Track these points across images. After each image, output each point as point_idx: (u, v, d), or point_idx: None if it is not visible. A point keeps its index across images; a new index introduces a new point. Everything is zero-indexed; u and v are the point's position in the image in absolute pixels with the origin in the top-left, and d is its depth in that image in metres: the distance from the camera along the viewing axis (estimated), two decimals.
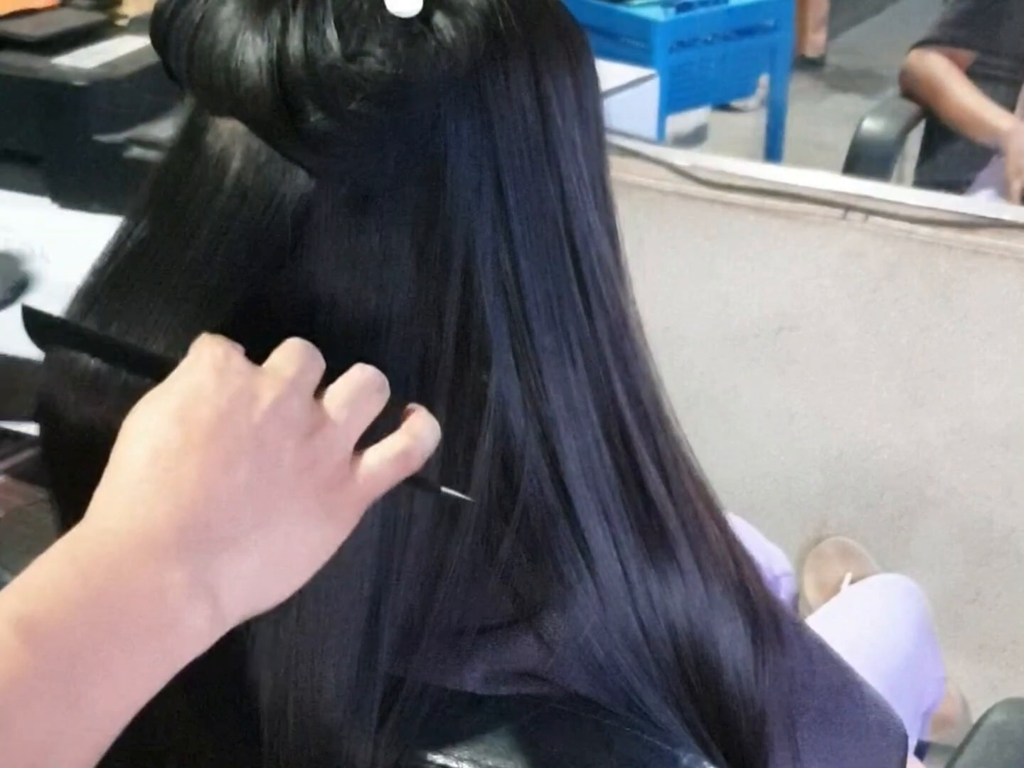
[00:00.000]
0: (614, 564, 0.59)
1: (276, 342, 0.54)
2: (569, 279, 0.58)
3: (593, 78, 0.61)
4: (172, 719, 0.59)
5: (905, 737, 0.81)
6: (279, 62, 0.53)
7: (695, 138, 3.38)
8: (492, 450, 0.57)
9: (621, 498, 0.60)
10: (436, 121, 0.54)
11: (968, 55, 2.28)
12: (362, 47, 0.53)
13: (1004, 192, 2.13)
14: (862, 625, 1.22)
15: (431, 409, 0.55)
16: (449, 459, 0.57)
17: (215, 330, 0.55)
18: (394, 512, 0.56)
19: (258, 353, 0.54)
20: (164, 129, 1.54)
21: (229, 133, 0.56)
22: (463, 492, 0.57)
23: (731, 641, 0.63)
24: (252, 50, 0.54)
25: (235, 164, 0.55)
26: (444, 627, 0.58)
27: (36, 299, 1.52)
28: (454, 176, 0.55)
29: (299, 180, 0.54)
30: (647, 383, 0.63)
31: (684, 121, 3.39)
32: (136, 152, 1.53)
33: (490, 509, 0.58)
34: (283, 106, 0.53)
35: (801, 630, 0.72)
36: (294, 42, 0.53)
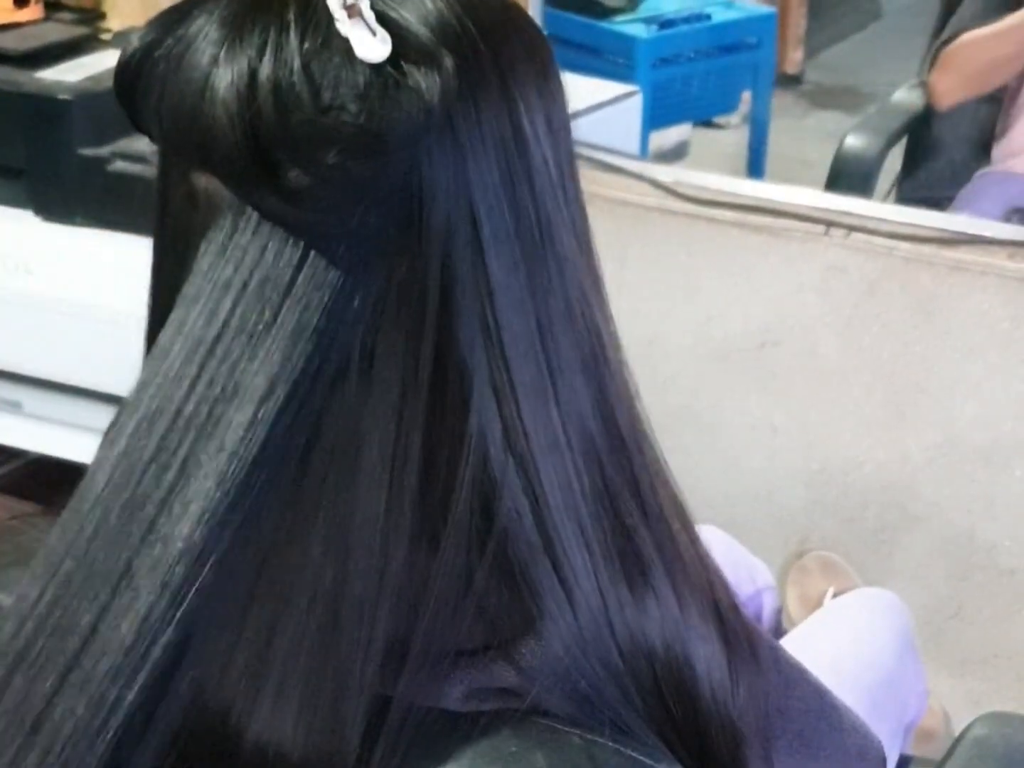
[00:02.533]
0: (594, 594, 0.59)
1: None
2: (548, 307, 0.58)
3: (560, 90, 0.60)
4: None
5: (883, 760, 0.81)
6: (251, 119, 0.51)
7: (675, 154, 3.39)
8: (472, 484, 0.57)
9: (601, 529, 0.60)
10: (411, 165, 0.53)
11: None
12: (335, 98, 0.52)
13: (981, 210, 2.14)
14: (844, 639, 1.22)
15: (409, 436, 0.56)
16: (428, 493, 0.57)
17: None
18: (372, 545, 0.56)
19: None
20: (148, 143, 1.54)
21: (204, 187, 0.55)
22: (443, 526, 0.57)
23: (708, 663, 0.63)
24: (222, 107, 0.52)
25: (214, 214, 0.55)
26: (426, 653, 0.58)
27: (19, 313, 1.52)
28: (430, 216, 0.54)
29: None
30: (623, 406, 0.62)
31: (665, 137, 3.40)
32: (120, 166, 1.53)
33: (469, 543, 0.58)
34: (258, 163, 0.52)
35: (778, 654, 0.72)
36: (264, 95, 0.51)
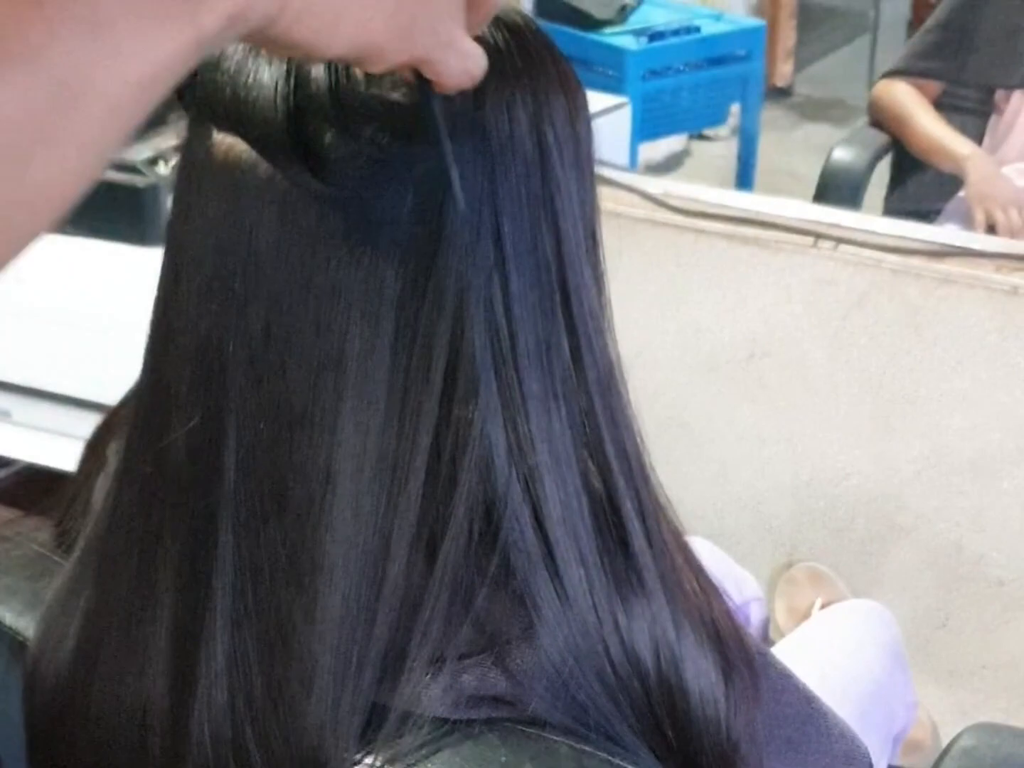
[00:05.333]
0: (589, 611, 0.59)
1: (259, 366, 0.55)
2: (560, 328, 0.59)
3: (588, 131, 0.61)
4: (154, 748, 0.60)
5: (870, 766, 0.81)
6: (296, 84, 0.53)
7: (667, 166, 3.40)
8: (474, 490, 0.57)
9: (599, 547, 0.60)
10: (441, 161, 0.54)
11: (936, 86, 2.31)
12: (383, 77, 0.53)
13: (969, 222, 2.15)
14: (833, 650, 1.22)
15: (414, 441, 0.56)
16: (431, 496, 0.57)
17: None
18: (372, 555, 0.57)
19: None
20: (139, 152, 1.54)
21: (228, 148, 0.56)
22: (442, 532, 0.57)
23: (704, 686, 0.63)
24: (267, 70, 0.54)
25: (235, 179, 0.55)
26: (421, 660, 0.58)
27: (8, 321, 1.51)
28: (454, 218, 0.55)
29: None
30: (631, 436, 0.63)
31: (656, 149, 3.41)
32: (109, 175, 1.52)
33: (469, 550, 0.58)
34: (294, 128, 0.53)
35: (768, 661, 0.72)
36: (315, 64, 0.53)
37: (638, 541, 0.61)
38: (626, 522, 0.61)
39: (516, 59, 0.56)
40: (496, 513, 0.58)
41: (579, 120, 0.60)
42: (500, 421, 0.57)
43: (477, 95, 0.54)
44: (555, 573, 0.58)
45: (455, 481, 0.57)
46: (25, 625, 0.66)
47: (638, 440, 0.64)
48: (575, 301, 0.59)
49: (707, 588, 0.67)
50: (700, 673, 0.63)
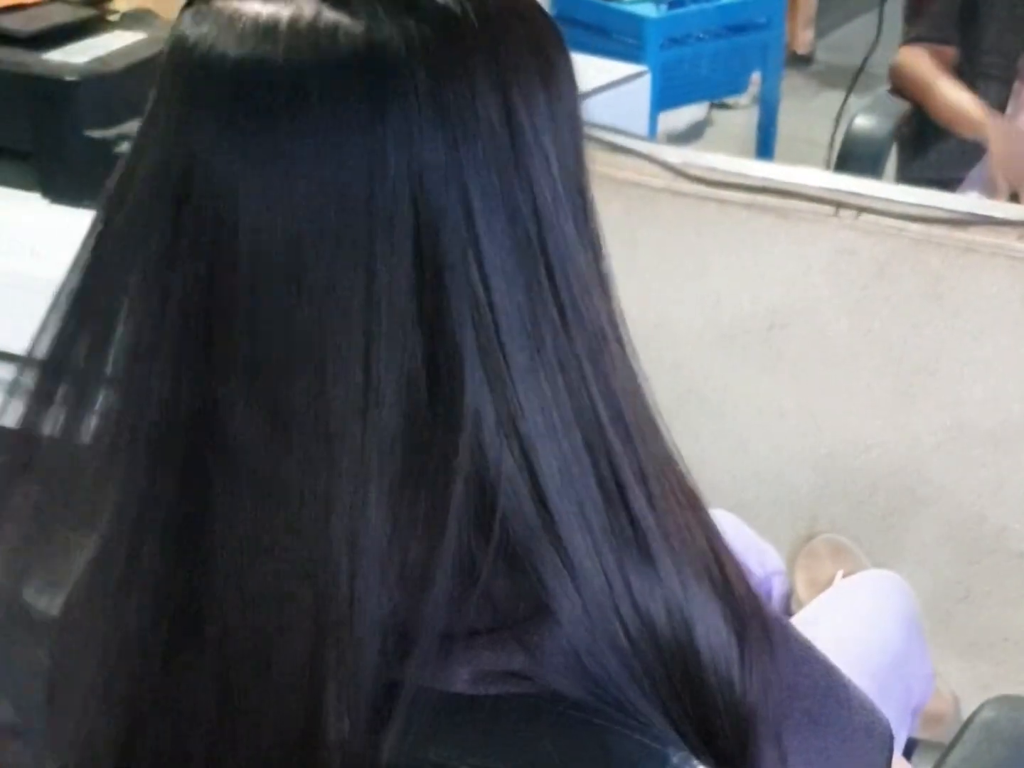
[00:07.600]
0: (598, 576, 0.59)
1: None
2: (546, 295, 0.58)
3: (570, 89, 0.60)
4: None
5: (891, 738, 0.81)
6: None
7: (687, 136, 3.38)
8: (469, 464, 0.57)
9: (603, 512, 0.60)
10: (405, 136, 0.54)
11: (957, 52, 2.29)
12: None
13: (990, 190, 2.14)
14: (850, 621, 1.22)
15: (412, 423, 0.56)
16: (426, 475, 0.57)
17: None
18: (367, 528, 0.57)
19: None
20: None
21: None
22: (442, 509, 0.57)
23: (717, 648, 0.63)
24: None
25: None
26: (432, 637, 0.58)
27: (26, 296, 1.51)
28: (420, 193, 0.55)
29: None
30: (629, 397, 0.62)
31: (677, 118, 3.38)
32: (127, 147, 1.52)
33: (469, 525, 0.58)
34: None
35: (788, 632, 0.72)
36: None
37: (639, 504, 0.61)
38: (627, 488, 0.61)
39: (474, 23, 0.55)
40: (493, 487, 0.57)
41: (555, 79, 0.58)
42: (488, 393, 0.56)
43: (434, 63, 0.54)
44: (558, 542, 0.58)
45: (448, 458, 0.57)
46: (46, 602, 0.66)
47: (640, 401, 0.63)
48: (559, 267, 0.58)
49: (719, 549, 0.67)
50: (711, 632, 0.63)
